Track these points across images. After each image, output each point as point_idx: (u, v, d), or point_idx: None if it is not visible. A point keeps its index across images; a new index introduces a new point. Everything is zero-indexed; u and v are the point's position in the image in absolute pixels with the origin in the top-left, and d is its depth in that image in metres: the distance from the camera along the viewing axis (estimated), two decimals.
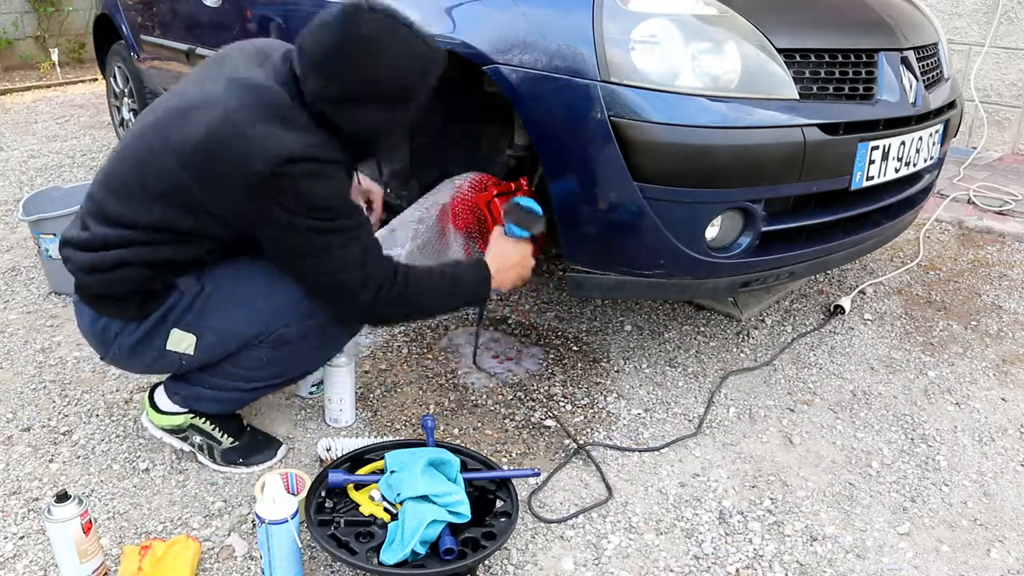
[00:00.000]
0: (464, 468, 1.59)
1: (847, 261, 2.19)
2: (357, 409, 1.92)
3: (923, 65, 2.13)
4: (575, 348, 2.26)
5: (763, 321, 2.42)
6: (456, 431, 1.87)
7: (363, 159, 1.55)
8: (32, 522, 1.57)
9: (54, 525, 1.34)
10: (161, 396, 1.69)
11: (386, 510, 1.47)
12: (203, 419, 1.68)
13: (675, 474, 1.74)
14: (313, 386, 1.98)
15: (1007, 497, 1.69)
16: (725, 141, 1.69)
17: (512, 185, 2.02)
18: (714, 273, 1.84)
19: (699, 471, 1.75)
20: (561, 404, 1.98)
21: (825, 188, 1.85)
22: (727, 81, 1.71)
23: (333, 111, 1.40)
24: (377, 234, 1.73)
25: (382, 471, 1.55)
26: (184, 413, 1.68)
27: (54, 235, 2.45)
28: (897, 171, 2.01)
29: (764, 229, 1.81)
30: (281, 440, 1.80)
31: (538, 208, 1.73)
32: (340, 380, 1.83)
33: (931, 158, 2.18)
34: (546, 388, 2.06)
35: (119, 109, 4.25)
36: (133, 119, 4.12)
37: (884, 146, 1.91)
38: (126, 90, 4.08)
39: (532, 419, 1.92)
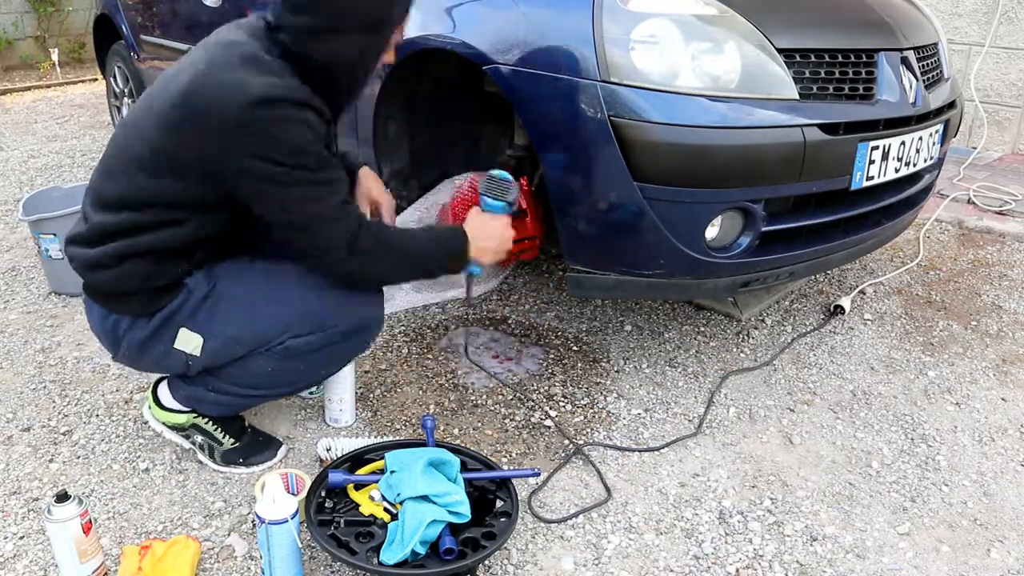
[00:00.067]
0: (464, 468, 1.59)
1: (847, 261, 2.19)
2: (357, 409, 1.92)
3: (923, 65, 2.13)
4: (575, 348, 2.26)
5: (763, 321, 2.42)
6: (456, 431, 1.87)
7: (337, 97, 1.54)
8: (32, 522, 1.57)
9: (54, 525, 1.34)
10: (164, 392, 1.69)
11: (386, 510, 1.47)
12: (205, 419, 1.69)
13: (675, 474, 1.74)
14: (313, 386, 1.98)
15: (1007, 497, 1.69)
16: (725, 141, 1.69)
17: None
18: (714, 273, 1.84)
19: (699, 471, 1.75)
20: (561, 404, 1.98)
21: (825, 188, 1.85)
22: (727, 81, 1.71)
23: (310, 45, 1.43)
24: None
25: (382, 471, 1.55)
26: (187, 412, 1.68)
27: (54, 235, 2.45)
28: (897, 171, 2.01)
29: (764, 229, 1.81)
30: (281, 440, 1.80)
31: (508, 176, 1.72)
32: (340, 380, 1.83)
33: (931, 158, 2.18)
34: (546, 388, 2.06)
35: (119, 109, 4.25)
36: None
37: (884, 146, 1.92)
38: (126, 90, 4.08)
39: (532, 419, 1.92)
